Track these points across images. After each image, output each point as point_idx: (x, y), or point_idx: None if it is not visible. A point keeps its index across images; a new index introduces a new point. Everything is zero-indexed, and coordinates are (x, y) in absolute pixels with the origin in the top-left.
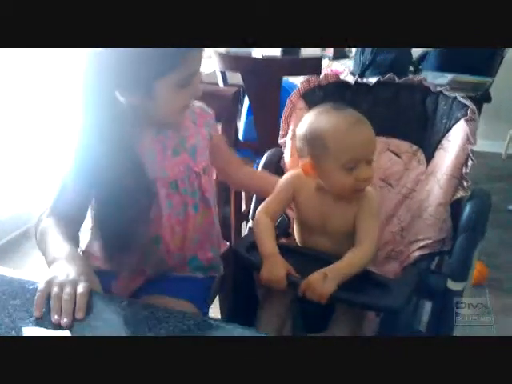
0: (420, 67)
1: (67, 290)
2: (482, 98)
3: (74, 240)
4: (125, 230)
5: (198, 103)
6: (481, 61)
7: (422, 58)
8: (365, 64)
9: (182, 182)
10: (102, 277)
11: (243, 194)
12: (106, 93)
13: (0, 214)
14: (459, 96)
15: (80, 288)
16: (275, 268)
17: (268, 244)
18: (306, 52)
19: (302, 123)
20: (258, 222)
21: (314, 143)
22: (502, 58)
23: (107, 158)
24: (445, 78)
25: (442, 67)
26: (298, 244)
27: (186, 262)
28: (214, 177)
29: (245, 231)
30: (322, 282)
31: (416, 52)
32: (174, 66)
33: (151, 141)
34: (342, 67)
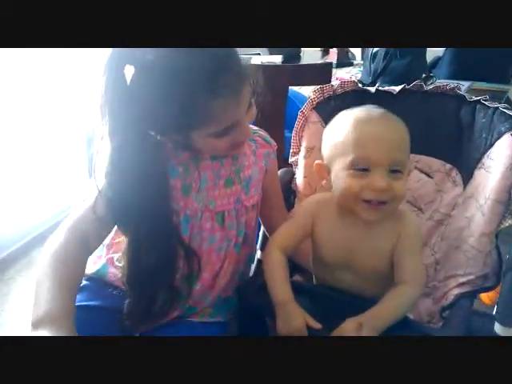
0: (432, 74)
1: None
2: None
3: (79, 268)
4: (150, 276)
5: (261, 131)
6: (495, 68)
7: (434, 64)
8: (377, 71)
9: (229, 215)
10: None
11: None
12: (135, 128)
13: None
14: (502, 106)
15: None
16: (292, 319)
17: (280, 289)
18: (306, 60)
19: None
20: (269, 261)
21: (329, 139)
22: None
23: (131, 194)
24: (462, 87)
25: (454, 74)
26: (316, 281)
27: (209, 305)
28: None
29: None
30: (356, 334)
31: (428, 59)
32: (205, 122)
33: (205, 166)
34: (348, 75)
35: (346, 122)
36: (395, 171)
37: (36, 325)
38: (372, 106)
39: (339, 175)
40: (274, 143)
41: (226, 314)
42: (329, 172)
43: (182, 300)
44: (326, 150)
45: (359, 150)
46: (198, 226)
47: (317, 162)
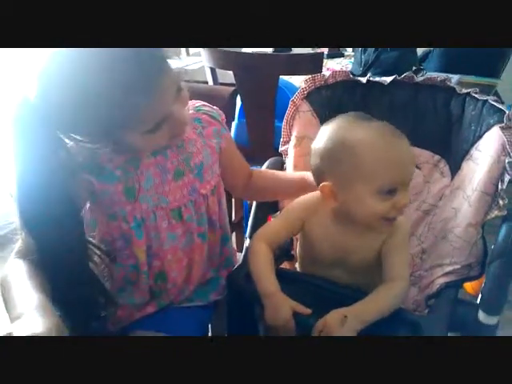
0: (422, 67)
1: None
2: None
3: (45, 283)
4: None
5: (205, 107)
6: (485, 62)
7: (424, 57)
8: (367, 63)
9: (186, 208)
10: None
11: (233, 200)
12: (42, 138)
13: None
14: (491, 99)
15: None
16: (279, 310)
17: (266, 281)
18: (297, 50)
19: (322, 136)
20: (254, 253)
21: (341, 161)
22: (508, 59)
23: (40, 210)
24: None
25: (444, 68)
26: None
27: (191, 293)
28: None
29: (234, 243)
30: (340, 325)
31: (418, 51)
32: (130, 123)
33: (147, 163)
34: (339, 66)
35: (366, 143)
36: (408, 183)
37: (16, 318)
38: (364, 116)
39: (361, 199)
40: (221, 115)
41: (208, 296)
42: (338, 192)
43: (156, 299)
44: (338, 171)
45: (387, 177)
46: (154, 228)
47: (325, 184)
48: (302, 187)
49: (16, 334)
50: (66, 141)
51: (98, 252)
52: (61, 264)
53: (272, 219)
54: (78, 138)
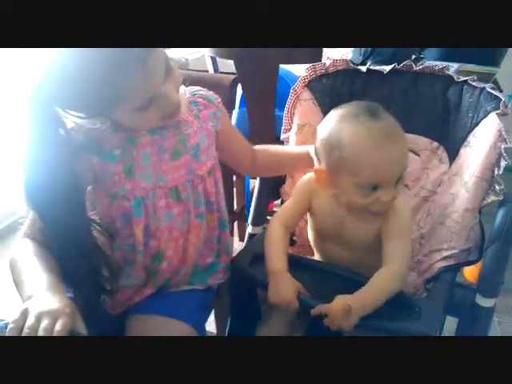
0: (422, 55)
1: (45, 322)
2: None
3: (54, 264)
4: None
5: (201, 91)
6: (484, 50)
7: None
8: (367, 51)
9: (183, 188)
10: None
11: (234, 190)
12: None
13: None
14: (488, 86)
15: (58, 325)
16: (283, 288)
17: (276, 259)
18: None
19: (325, 121)
20: (271, 234)
21: (331, 151)
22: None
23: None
24: (451, 68)
25: (444, 56)
26: (313, 249)
27: (187, 275)
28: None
29: (236, 232)
30: (345, 315)
31: None
32: (119, 99)
33: (144, 142)
34: (338, 55)
35: (352, 140)
36: (399, 179)
37: (29, 298)
38: (371, 110)
39: (345, 188)
40: (217, 98)
41: (207, 280)
42: (329, 177)
43: (152, 278)
44: (328, 159)
45: (368, 175)
46: (152, 206)
47: (317, 167)
48: (306, 161)
49: (32, 310)
50: (66, 120)
51: (97, 227)
52: (65, 238)
53: (286, 201)
54: (76, 114)
